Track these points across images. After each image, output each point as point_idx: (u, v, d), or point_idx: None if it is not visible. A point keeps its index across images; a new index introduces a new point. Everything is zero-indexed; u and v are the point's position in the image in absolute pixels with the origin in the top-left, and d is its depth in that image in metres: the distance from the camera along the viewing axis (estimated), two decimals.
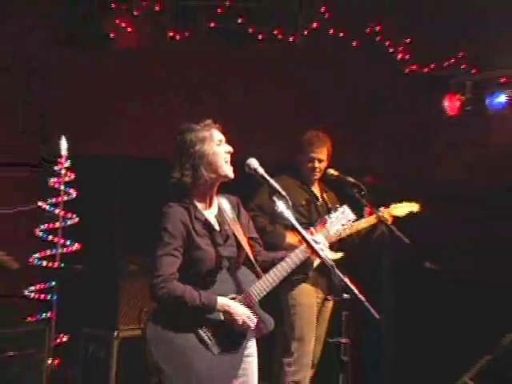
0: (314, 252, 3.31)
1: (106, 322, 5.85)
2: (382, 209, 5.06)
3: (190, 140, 3.37)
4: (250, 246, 3.52)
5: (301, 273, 3.92)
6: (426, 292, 5.98)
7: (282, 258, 3.48)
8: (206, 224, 3.39)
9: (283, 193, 3.27)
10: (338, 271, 3.20)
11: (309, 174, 5.05)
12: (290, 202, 3.33)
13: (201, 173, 3.35)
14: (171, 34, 6.92)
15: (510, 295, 5.67)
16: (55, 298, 6.15)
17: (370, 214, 5.04)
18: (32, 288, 6.22)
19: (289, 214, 3.27)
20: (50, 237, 6.25)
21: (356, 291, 3.21)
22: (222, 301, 3.26)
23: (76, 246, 6.33)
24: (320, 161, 5.12)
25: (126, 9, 6.90)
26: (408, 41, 6.94)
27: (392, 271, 5.06)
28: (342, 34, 6.91)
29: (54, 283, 6.19)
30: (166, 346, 3.22)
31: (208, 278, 3.32)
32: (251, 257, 3.46)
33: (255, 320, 3.33)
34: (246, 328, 3.32)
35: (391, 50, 7.01)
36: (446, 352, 5.70)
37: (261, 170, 3.33)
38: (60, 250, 6.23)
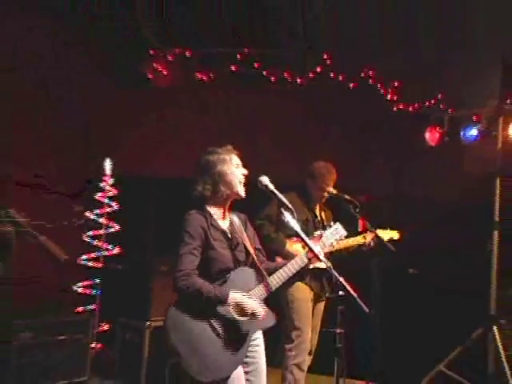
0: (315, 255, 3.37)
1: (139, 313, 5.80)
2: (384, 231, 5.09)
3: (213, 161, 3.45)
4: (255, 254, 3.56)
5: (298, 276, 3.81)
6: (407, 291, 6.04)
7: (284, 264, 3.53)
8: (220, 231, 3.45)
9: (290, 206, 3.33)
10: (334, 272, 3.27)
11: (315, 198, 5.03)
12: (296, 214, 3.38)
13: (219, 189, 3.43)
14: (199, 75, 7.08)
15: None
16: (99, 292, 6.32)
17: (363, 226, 4.96)
18: (79, 284, 6.38)
19: (294, 224, 3.32)
20: (95, 242, 6.43)
21: (350, 289, 3.25)
22: (234, 295, 3.27)
23: (116, 249, 6.50)
24: (328, 191, 5.11)
25: (162, 55, 7.11)
26: (396, 84, 6.98)
27: (380, 273, 5.07)
28: (341, 78, 6.97)
29: (97, 280, 6.36)
30: (183, 332, 3.22)
31: (221, 275, 3.35)
32: (257, 262, 3.51)
33: (263, 312, 3.35)
34: (254, 319, 3.33)
35: (382, 92, 7.05)
36: (424, 341, 5.68)
37: (271, 186, 3.39)
38: (103, 253, 6.42)
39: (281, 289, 4.13)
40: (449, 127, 6.20)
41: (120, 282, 6.14)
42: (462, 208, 6.04)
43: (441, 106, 6.59)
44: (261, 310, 3.34)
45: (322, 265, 4.78)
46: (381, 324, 5.15)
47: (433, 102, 6.75)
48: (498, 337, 5.43)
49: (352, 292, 3.25)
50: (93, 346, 5.96)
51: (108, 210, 6.39)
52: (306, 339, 4.91)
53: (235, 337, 3.28)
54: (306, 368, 4.92)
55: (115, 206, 6.44)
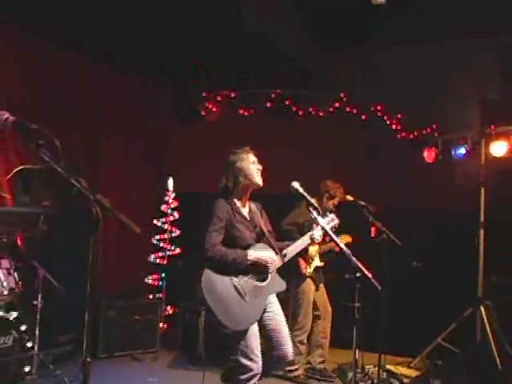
0: (337, 244, 3.51)
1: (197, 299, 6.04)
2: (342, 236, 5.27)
3: (234, 160, 3.69)
4: (268, 235, 3.77)
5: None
6: (411, 280, 6.12)
7: (291, 244, 3.76)
8: (242, 216, 3.68)
9: (316, 205, 3.56)
10: (353, 258, 3.43)
11: (324, 210, 5.00)
12: (321, 212, 3.61)
13: (239, 181, 3.65)
14: (241, 111, 7.41)
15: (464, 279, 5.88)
16: (165, 283, 6.61)
17: (376, 230, 5.03)
18: (150, 277, 6.73)
19: (320, 219, 3.57)
20: (161, 244, 6.75)
21: (365, 271, 3.43)
22: (252, 252, 3.52)
23: (178, 249, 6.82)
24: (336, 206, 5.35)
25: (212, 96, 7.47)
26: (399, 116, 7.22)
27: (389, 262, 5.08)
28: (355, 111, 7.23)
29: (163, 274, 6.66)
30: (212, 288, 3.41)
31: (242, 249, 3.57)
32: (271, 240, 3.73)
33: (278, 261, 3.58)
34: (271, 267, 3.54)
35: (388, 122, 7.27)
36: (424, 319, 5.81)
37: (301, 190, 3.58)
38: (168, 253, 6.72)
39: (291, 283, 4.29)
40: (442, 148, 6.33)
41: (181, 274, 6.33)
42: (454, 213, 6.18)
43: (435, 134, 6.80)
44: (275, 258, 3.56)
45: (319, 264, 5.28)
46: (388, 304, 5.23)
47: (429, 130, 6.97)
48: (484, 314, 5.65)
49: (367, 273, 3.45)
50: (161, 325, 6.32)
51: (171, 218, 6.76)
52: (308, 322, 5.37)
53: (254, 298, 3.50)
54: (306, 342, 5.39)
55: (177, 215, 6.80)
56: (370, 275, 3.46)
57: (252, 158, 3.71)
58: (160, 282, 6.61)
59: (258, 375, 3.52)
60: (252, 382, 3.50)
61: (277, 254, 3.67)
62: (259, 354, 3.51)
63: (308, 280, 5.36)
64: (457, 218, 6.04)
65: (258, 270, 3.58)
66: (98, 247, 2.11)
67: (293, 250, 3.74)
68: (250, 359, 3.46)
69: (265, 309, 3.63)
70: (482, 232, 5.93)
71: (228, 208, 3.61)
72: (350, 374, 5.20)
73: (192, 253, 6.48)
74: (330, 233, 3.59)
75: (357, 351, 3.55)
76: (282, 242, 3.90)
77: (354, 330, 3.53)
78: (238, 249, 3.56)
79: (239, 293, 3.46)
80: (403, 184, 6.47)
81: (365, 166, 6.73)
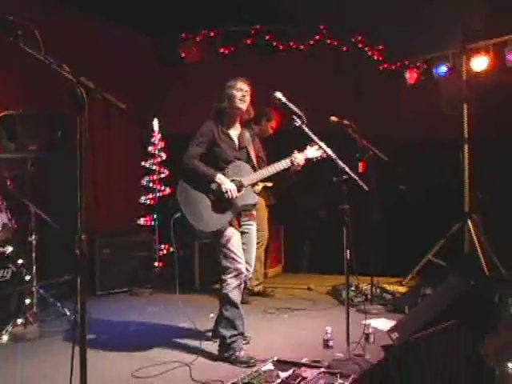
0: (322, 148, 3.63)
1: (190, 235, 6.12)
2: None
3: (227, 87, 3.88)
4: (257, 159, 4.01)
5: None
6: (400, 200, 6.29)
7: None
8: (228, 135, 3.92)
9: (300, 113, 3.58)
10: (339, 160, 3.56)
11: (264, 133, 5.47)
12: (305, 120, 3.61)
13: (224, 105, 3.86)
14: (222, 50, 7.34)
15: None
16: (157, 224, 6.69)
17: (363, 166, 5.12)
18: (142, 219, 6.78)
19: (304, 127, 3.58)
20: (151, 184, 6.82)
21: (351, 173, 3.54)
22: (221, 177, 3.75)
23: (168, 189, 6.85)
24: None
25: (191, 37, 7.39)
26: (381, 47, 7.13)
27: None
28: (336, 43, 7.20)
29: (155, 215, 6.73)
30: (186, 195, 3.80)
31: (221, 166, 3.82)
32: (255, 163, 3.96)
33: (236, 193, 3.74)
34: (230, 196, 3.71)
35: (370, 54, 7.24)
36: (415, 237, 5.97)
37: (284, 99, 3.62)
38: (158, 194, 6.80)
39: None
40: (423, 67, 6.37)
41: (172, 213, 6.51)
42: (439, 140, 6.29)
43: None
44: (232, 192, 3.71)
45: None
46: (379, 225, 5.33)
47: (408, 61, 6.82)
48: (471, 227, 5.80)
49: (353, 175, 3.57)
50: (156, 264, 6.43)
51: (159, 159, 6.83)
52: (262, 236, 5.50)
53: (223, 204, 3.74)
54: None
55: (164, 155, 6.86)
56: (356, 177, 3.59)
57: (239, 84, 3.85)
58: (152, 223, 6.69)
59: (243, 274, 3.80)
60: (238, 280, 3.77)
61: (255, 171, 3.90)
62: (242, 256, 3.81)
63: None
64: (442, 142, 6.17)
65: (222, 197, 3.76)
66: (84, 130, 2.14)
67: (270, 170, 3.87)
68: (233, 259, 3.76)
69: (244, 225, 3.96)
70: (465, 148, 6.05)
71: (213, 127, 3.87)
72: (344, 293, 5.34)
73: None
74: (311, 134, 3.61)
75: (347, 252, 3.61)
76: None
77: (344, 231, 3.61)
78: (217, 165, 3.81)
79: (211, 200, 3.77)
80: (389, 114, 6.52)
81: (350, 100, 6.75)
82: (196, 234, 3.86)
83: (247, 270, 3.93)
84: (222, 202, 3.76)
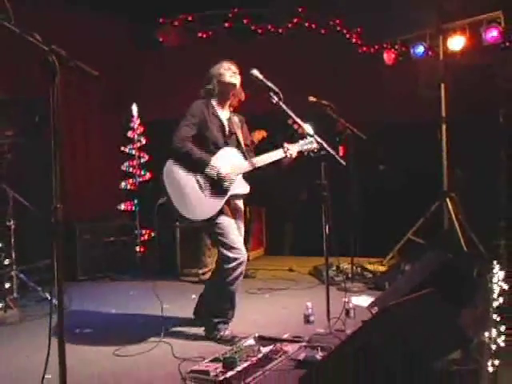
0: (302, 128, 3.62)
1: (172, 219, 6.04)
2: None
3: (212, 69, 3.79)
4: (245, 146, 3.83)
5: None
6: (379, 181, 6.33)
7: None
8: (217, 118, 3.77)
9: (276, 89, 3.57)
10: (317, 137, 3.59)
11: None
12: (282, 97, 3.60)
13: (214, 85, 3.74)
14: (200, 34, 7.30)
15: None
16: (138, 208, 6.69)
17: (344, 149, 5.04)
18: (122, 204, 6.77)
19: (282, 104, 3.58)
20: (131, 170, 6.80)
21: (329, 148, 3.57)
22: (215, 162, 3.59)
23: (148, 174, 6.88)
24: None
25: (169, 22, 7.33)
26: (359, 30, 7.23)
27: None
28: (314, 26, 7.19)
29: (136, 201, 6.73)
30: (173, 179, 3.53)
31: (211, 150, 3.65)
32: (244, 148, 3.80)
33: (232, 178, 3.62)
34: (227, 181, 3.60)
35: (348, 36, 7.26)
36: (394, 218, 5.98)
37: (260, 76, 3.60)
38: (138, 179, 6.78)
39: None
40: (401, 48, 6.37)
41: (153, 198, 6.48)
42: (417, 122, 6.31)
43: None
44: (230, 176, 3.60)
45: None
46: (358, 208, 5.37)
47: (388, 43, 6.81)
48: (450, 206, 5.87)
49: (331, 151, 3.61)
50: (137, 249, 6.43)
51: (138, 144, 6.80)
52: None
53: (214, 195, 3.59)
54: None
55: (143, 140, 6.83)
56: (333, 152, 3.61)
57: (227, 65, 3.77)
58: (133, 208, 6.68)
59: (244, 263, 3.65)
60: (239, 270, 3.62)
61: (246, 159, 3.74)
62: (240, 245, 3.66)
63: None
64: (421, 122, 6.18)
65: (216, 181, 3.63)
66: (57, 98, 2.11)
67: (263, 159, 3.75)
68: (234, 249, 3.60)
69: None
70: (444, 127, 6.11)
71: (203, 108, 3.70)
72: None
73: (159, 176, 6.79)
74: (292, 114, 3.60)
75: (326, 227, 3.66)
76: None
77: (323, 207, 3.64)
78: (207, 148, 3.63)
79: (200, 186, 3.57)
80: (368, 97, 6.50)
81: (329, 83, 6.67)
82: (179, 218, 3.65)
83: None
84: (214, 188, 3.60)
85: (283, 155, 3.73)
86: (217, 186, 3.61)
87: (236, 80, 3.76)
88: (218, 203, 3.60)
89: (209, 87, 3.77)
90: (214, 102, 3.79)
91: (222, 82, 3.74)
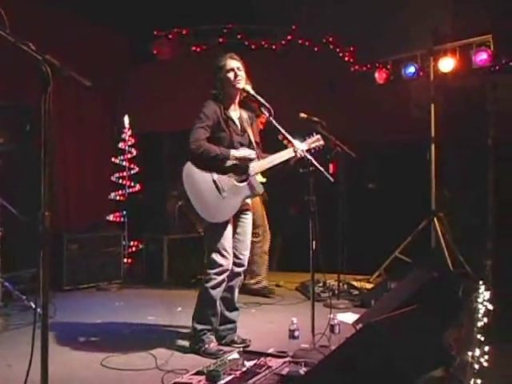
0: (290, 142, 3.70)
1: (160, 230, 6.21)
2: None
3: (215, 70, 3.68)
4: (256, 143, 3.80)
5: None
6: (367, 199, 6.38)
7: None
8: (230, 118, 3.71)
9: (267, 105, 3.60)
10: (307, 154, 3.62)
11: None
12: (273, 113, 3.62)
13: (221, 88, 3.66)
14: (194, 48, 7.40)
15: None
16: (126, 219, 6.69)
17: (334, 167, 5.14)
18: (112, 215, 6.76)
19: (272, 119, 3.60)
20: (121, 181, 6.82)
21: (318, 165, 3.57)
22: (234, 151, 3.59)
23: (138, 186, 6.89)
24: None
25: (164, 35, 7.43)
26: (352, 49, 7.35)
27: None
28: (307, 43, 7.31)
29: (124, 212, 6.74)
30: (192, 181, 3.50)
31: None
32: (255, 148, 3.76)
33: (256, 155, 3.66)
34: (250, 160, 3.62)
35: (341, 55, 7.35)
36: (382, 236, 6.04)
37: (252, 92, 3.64)
38: (128, 190, 6.79)
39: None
40: (392, 68, 6.44)
41: (142, 209, 6.61)
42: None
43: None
44: (254, 155, 3.63)
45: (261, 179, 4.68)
46: (346, 225, 5.36)
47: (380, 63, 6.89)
48: (437, 225, 5.91)
49: (319, 167, 3.62)
50: (125, 260, 6.39)
51: (129, 155, 6.81)
52: (266, 232, 5.51)
53: (231, 196, 3.59)
54: None
55: (134, 152, 6.86)
56: (322, 168, 3.63)
57: (228, 63, 3.67)
58: (122, 219, 6.68)
59: (228, 271, 3.67)
60: (222, 277, 3.64)
61: (259, 159, 3.75)
62: (230, 252, 3.67)
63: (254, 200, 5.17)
64: (410, 144, 6.29)
65: (240, 169, 3.65)
66: (49, 108, 2.12)
67: (276, 158, 3.77)
68: (222, 255, 3.61)
69: (240, 214, 3.76)
70: (433, 147, 6.14)
71: (216, 109, 3.64)
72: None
73: (152, 185, 6.85)
74: (282, 130, 3.64)
75: (313, 243, 3.63)
76: None
77: (310, 222, 3.61)
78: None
79: (217, 188, 3.55)
80: (360, 115, 6.60)
81: (321, 100, 6.74)
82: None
83: (240, 258, 3.80)
84: (231, 188, 3.58)
85: (293, 154, 3.72)
86: (234, 186, 3.60)
87: (241, 83, 3.66)
88: (234, 207, 3.61)
89: (216, 92, 3.68)
90: (225, 102, 3.70)
91: (228, 88, 3.66)
